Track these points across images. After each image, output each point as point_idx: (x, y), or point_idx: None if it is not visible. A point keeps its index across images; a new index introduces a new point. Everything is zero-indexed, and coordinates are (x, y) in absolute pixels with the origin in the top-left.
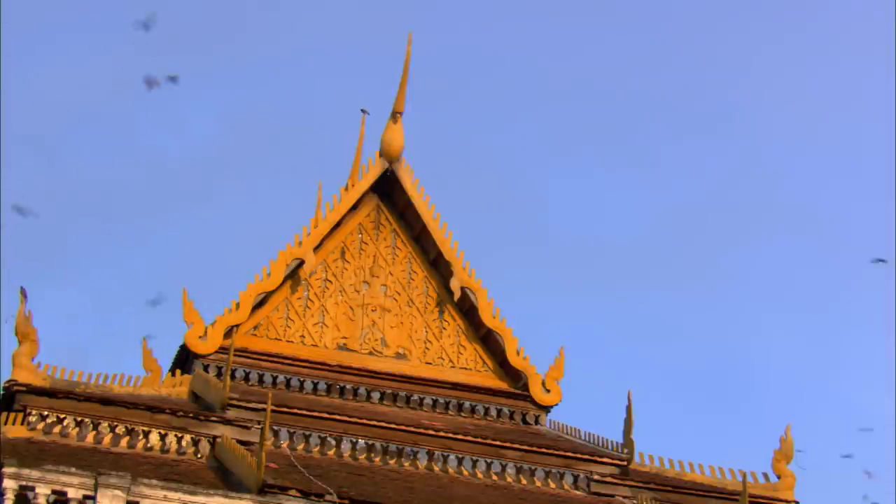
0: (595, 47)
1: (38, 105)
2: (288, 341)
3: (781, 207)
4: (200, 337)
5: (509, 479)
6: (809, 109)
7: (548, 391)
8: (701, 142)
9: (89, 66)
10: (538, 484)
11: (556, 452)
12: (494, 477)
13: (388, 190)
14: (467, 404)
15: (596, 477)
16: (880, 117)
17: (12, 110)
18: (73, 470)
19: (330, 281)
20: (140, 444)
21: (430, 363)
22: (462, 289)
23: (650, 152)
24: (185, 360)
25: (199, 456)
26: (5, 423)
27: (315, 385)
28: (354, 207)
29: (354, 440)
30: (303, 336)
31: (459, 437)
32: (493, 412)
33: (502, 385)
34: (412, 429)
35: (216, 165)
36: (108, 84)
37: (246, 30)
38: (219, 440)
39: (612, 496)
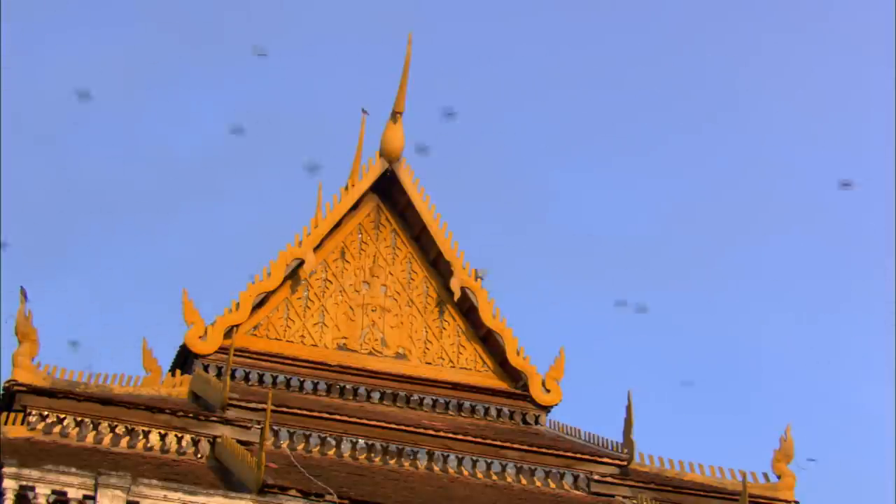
0: (595, 43)
1: (44, 100)
2: (288, 341)
3: (784, 204)
4: (200, 337)
5: (509, 479)
6: (812, 105)
7: (548, 391)
8: (704, 137)
9: (95, 62)
10: (538, 484)
11: (555, 452)
12: (494, 477)
13: (388, 190)
14: (467, 404)
15: (596, 477)
16: (882, 115)
17: (17, 106)
18: (73, 470)
19: (330, 281)
20: (140, 444)
21: (430, 363)
22: (462, 289)
23: (651, 149)
24: (185, 360)
25: (199, 456)
26: (5, 423)
27: (315, 385)
28: (354, 207)
29: (354, 440)
30: (303, 336)
31: (459, 437)
32: (493, 412)
33: (502, 385)
34: (412, 429)
35: (219, 164)
36: (113, 80)
37: (247, 29)
38: (219, 440)
39: (612, 496)
